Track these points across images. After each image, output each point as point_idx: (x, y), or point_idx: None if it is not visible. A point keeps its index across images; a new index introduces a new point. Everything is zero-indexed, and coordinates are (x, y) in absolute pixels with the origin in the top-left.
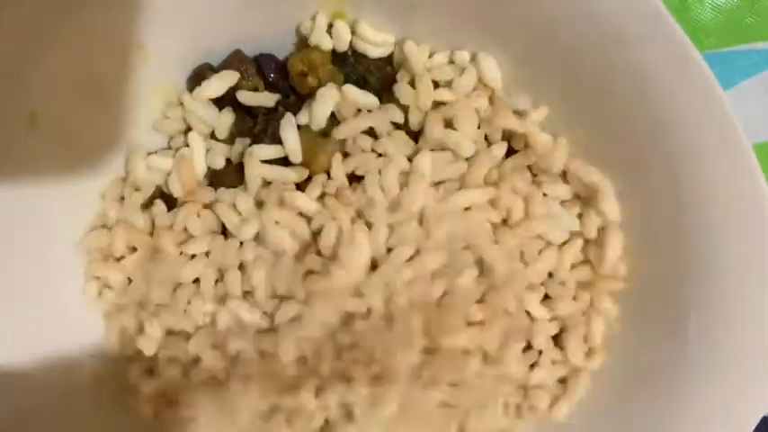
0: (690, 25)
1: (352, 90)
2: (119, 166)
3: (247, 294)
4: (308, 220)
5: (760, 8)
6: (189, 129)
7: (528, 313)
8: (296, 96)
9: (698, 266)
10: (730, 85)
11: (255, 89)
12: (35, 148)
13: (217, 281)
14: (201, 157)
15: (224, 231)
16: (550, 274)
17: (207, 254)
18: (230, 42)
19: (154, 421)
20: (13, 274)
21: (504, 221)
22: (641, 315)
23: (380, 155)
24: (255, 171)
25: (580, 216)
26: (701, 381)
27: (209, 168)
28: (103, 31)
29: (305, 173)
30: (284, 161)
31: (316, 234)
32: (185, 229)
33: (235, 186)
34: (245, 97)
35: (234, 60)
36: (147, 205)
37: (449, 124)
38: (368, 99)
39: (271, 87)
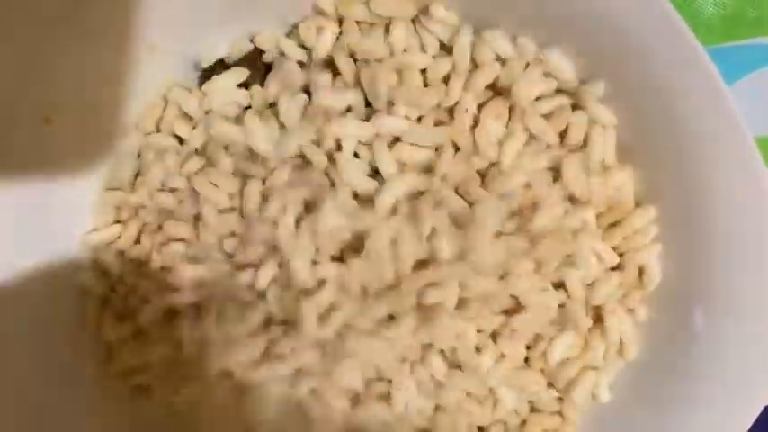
0: (692, 20)
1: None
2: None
3: None
4: None
5: (762, 3)
6: None
7: None
8: None
9: (702, 260)
10: (733, 79)
11: None
12: (49, 147)
13: None
14: None
15: None
16: None
17: None
18: (244, 40)
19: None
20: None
21: None
22: (648, 308)
23: None
24: None
25: None
26: (707, 374)
27: None
28: (114, 28)
29: None
30: None
31: None
32: None
33: None
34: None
35: (246, 58)
36: None
37: None
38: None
39: None
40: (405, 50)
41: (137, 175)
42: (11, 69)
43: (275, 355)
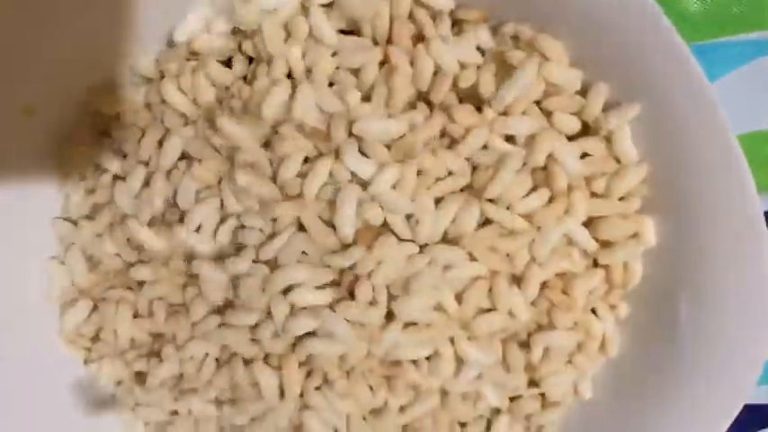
0: (676, 16)
1: None
2: None
3: None
4: None
5: None
6: None
7: None
8: None
9: (685, 255)
10: (717, 76)
11: None
12: (29, 141)
13: None
14: None
15: None
16: None
17: None
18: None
19: None
20: None
21: None
22: (632, 303)
23: None
24: None
25: None
26: (690, 369)
27: None
28: (104, 22)
29: None
30: None
31: None
32: None
33: None
34: None
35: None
36: None
37: None
38: None
39: None
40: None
41: None
42: None
43: None
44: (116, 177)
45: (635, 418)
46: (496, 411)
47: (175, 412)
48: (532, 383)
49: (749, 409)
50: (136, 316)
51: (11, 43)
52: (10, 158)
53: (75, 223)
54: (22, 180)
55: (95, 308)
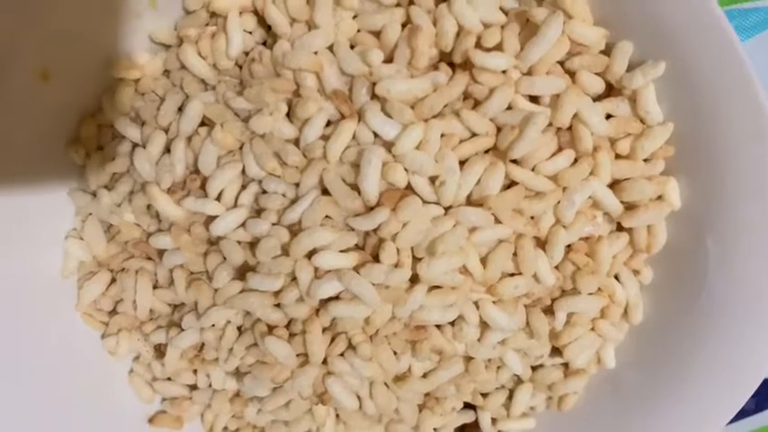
0: None
1: None
2: None
3: None
4: None
5: None
6: None
7: None
8: None
9: (711, 216)
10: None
11: None
12: (46, 103)
13: None
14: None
15: None
16: None
17: None
18: None
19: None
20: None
21: None
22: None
23: None
24: None
25: None
26: (713, 340)
27: None
28: None
29: None
30: None
31: None
32: None
33: None
34: None
35: None
36: None
37: None
38: None
39: None
40: None
41: None
42: (7, 20)
43: None
44: (135, 145)
45: (660, 384)
46: (519, 382)
47: (194, 387)
48: (555, 352)
49: None
50: (155, 287)
51: (25, 7)
52: (26, 129)
53: (93, 195)
54: (38, 151)
55: (113, 281)
